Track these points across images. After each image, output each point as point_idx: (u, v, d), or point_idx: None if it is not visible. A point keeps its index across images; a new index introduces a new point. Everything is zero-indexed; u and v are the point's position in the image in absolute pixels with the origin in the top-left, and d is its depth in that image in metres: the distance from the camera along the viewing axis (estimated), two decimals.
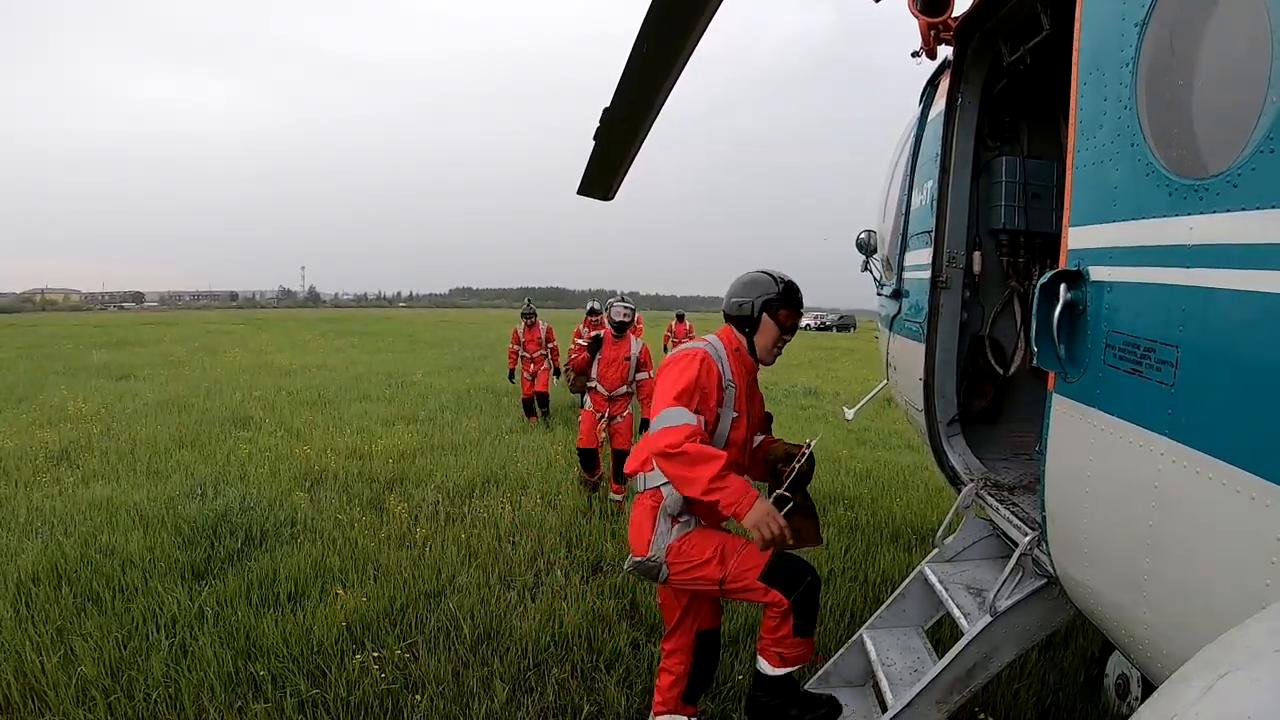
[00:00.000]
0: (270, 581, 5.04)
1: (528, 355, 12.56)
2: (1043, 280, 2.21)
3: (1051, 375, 2.33)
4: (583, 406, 8.07)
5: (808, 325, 75.56)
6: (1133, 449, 1.95)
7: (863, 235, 5.67)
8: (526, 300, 13.87)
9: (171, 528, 6.03)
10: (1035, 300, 2.22)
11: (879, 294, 5.56)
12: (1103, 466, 2.10)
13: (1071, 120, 2.32)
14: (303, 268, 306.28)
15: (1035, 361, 2.27)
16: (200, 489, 7.23)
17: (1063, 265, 2.27)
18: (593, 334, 8.22)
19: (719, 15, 2.92)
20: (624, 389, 7.93)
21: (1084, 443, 2.17)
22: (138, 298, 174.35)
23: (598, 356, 7.85)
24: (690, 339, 3.19)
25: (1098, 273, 2.12)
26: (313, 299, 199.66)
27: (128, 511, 6.44)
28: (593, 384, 7.98)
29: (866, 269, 5.73)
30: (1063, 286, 2.19)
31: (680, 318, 19.59)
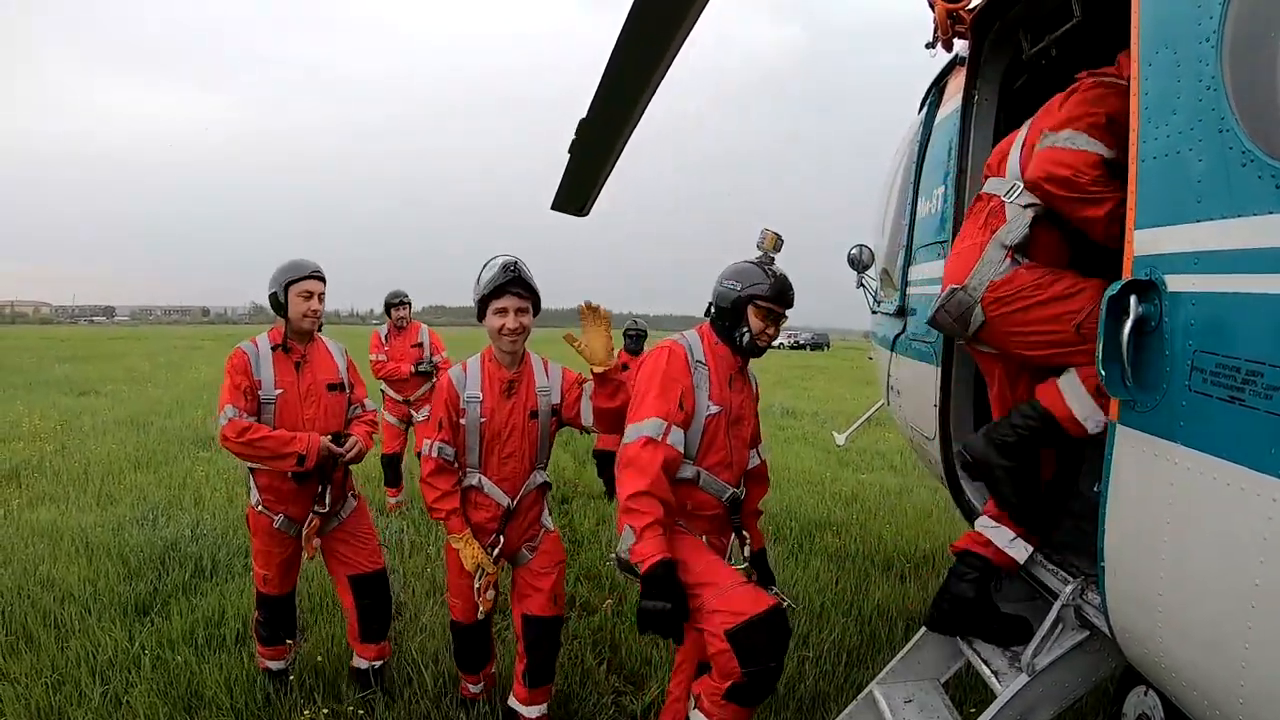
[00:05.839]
0: (217, 620, 4.61)
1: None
2: (1111, 292, 1.88)
3: (1115, 403, 2.00)
4: None
5: (781, 344, 75.37)
6: (1232, 493, 1.61)
7: (854, 250, 5.34)
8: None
9: (117, 557, 5.60)
10: (1102, 316, 1.88)
11: (875, 311, 5.24)
12: (1188, 513, 1.76)
13: (1133, 107, 2.00)
14: None
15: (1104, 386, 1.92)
16: (152, 514, 6.74)
17: (1127, 275, 1.94)
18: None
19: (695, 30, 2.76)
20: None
21: (1161, 484, 1.83)
22: (109, 311, 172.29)
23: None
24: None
25: (1177, 282, 1.79)
26: None
27: (73, 538, 5.98)
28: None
29: (860, 286, 5.42)
30: (1133, 299, 1.86)
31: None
